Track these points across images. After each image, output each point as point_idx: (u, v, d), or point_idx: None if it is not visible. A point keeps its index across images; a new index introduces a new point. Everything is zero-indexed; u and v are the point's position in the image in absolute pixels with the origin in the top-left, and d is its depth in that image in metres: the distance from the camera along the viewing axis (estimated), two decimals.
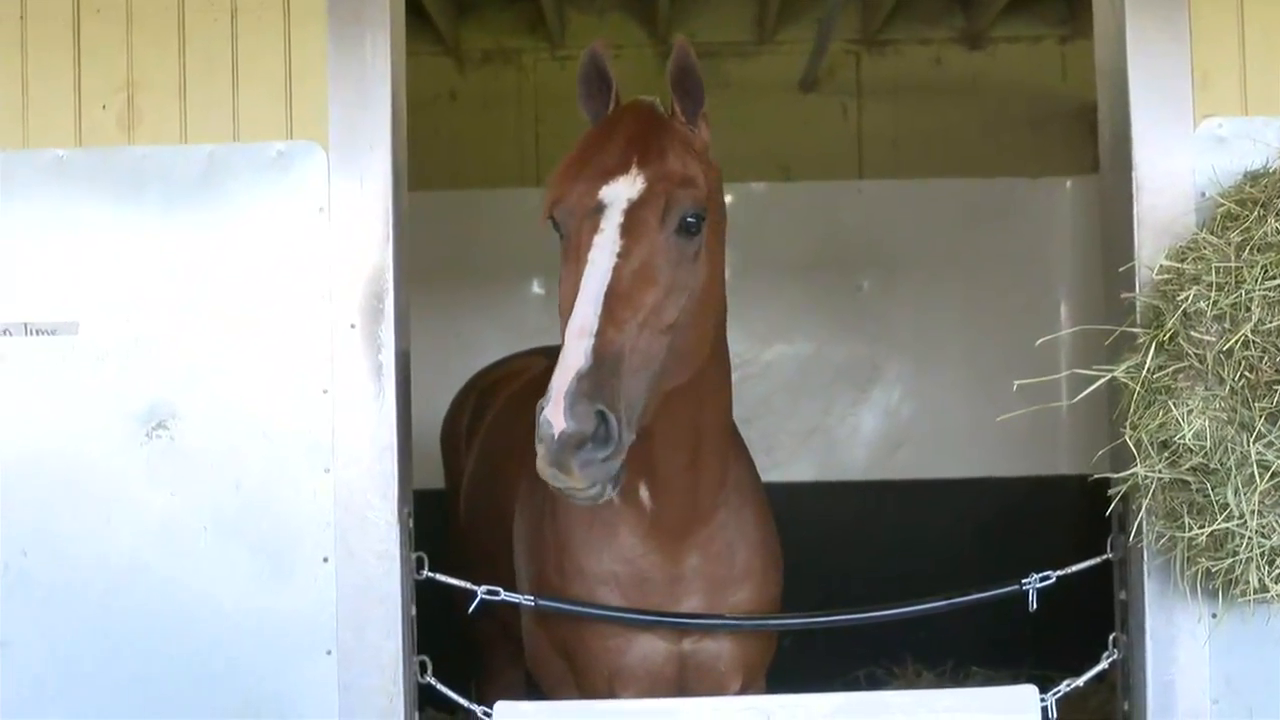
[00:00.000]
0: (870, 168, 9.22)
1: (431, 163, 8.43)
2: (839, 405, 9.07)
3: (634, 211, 4.02)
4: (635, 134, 4.19)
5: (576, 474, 3.70)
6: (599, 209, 4.04)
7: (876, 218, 9.02)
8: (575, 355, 3.76)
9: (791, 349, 9.01)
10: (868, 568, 8.30)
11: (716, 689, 4.63)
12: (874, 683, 8.38)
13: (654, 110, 4.31)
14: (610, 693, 4.60)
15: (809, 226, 8.99)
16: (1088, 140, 8.99)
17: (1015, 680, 4.63)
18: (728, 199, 8.75)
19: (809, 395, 8.99)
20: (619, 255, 3.96)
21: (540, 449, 3.72)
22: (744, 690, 4.68)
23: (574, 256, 4.03)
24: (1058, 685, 4.52)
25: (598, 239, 3.99)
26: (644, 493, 4.50)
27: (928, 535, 8.70)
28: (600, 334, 3.80)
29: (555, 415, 3.68)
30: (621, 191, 4.05)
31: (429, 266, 7.58)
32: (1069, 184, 8.98)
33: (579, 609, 4.58)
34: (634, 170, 4.08)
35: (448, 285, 8.68)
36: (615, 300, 3.87)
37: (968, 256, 8.95)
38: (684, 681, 4.64)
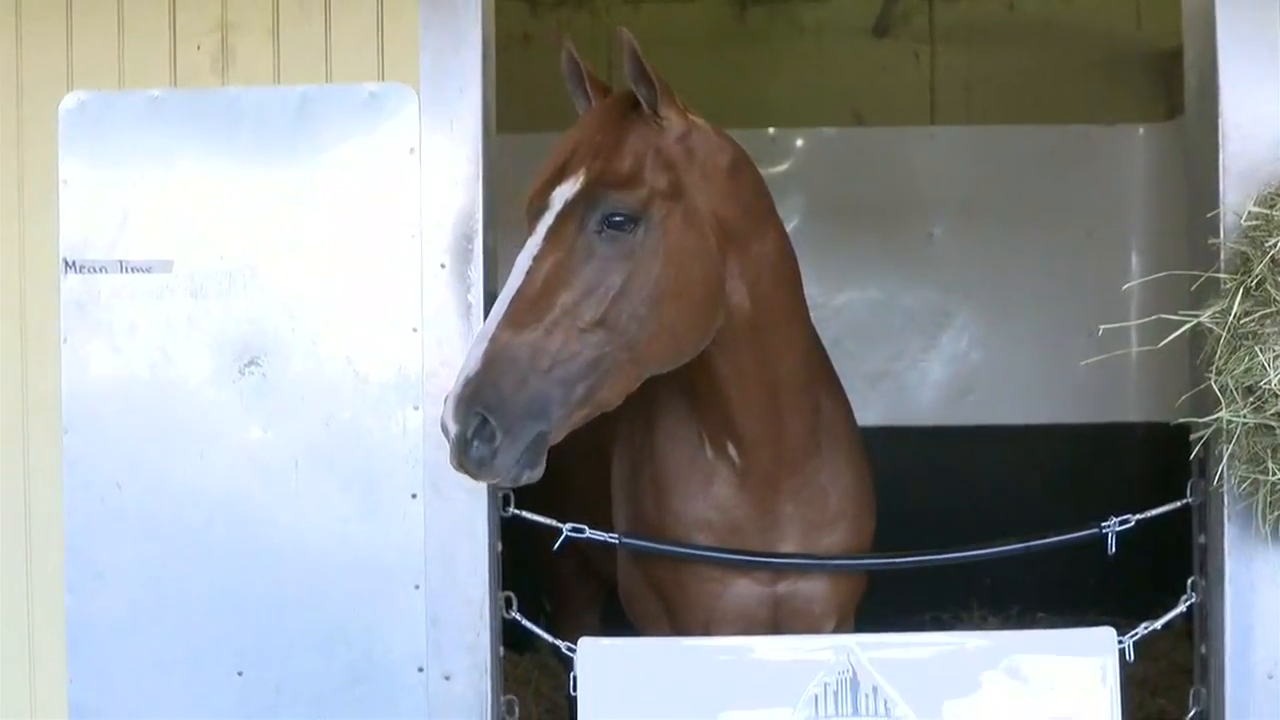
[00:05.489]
0: (942, 114, 9.19)
1: (503, 106, 8.46)
2: (909, 351, 9.10)
3: (563, 212, 4.08)
4: (589, 134, 4.22)
5: (471, 470, 3.93)
6: (542, 211, 4.12)
7: (948, 164, 9.00)
8: (469, 359, 3.93)
9: (862, 294, 9.03)
10: (934, 512, 8.30)
11: (811, 630, 4.71)
12: (940, 627, 8.42)
13: (619, 105, 4.29)
14: (706, 633, 4.68)
15: (881, 172, 8.98)
16: (1160, 87, 8.94)
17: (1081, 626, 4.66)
18: (798, 143, 8.91)
19: (879, 340, 9.01)
20: (534, 259, 4.04)
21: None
22: (836, 631, 4.76)
23: None
24: (1131, 630, 4.54)
25: (528, 242, 4.09)
26: (732, 450, 4.59)
27: (994, 481, 8.71)
28: (494, 339, 3.92)
29: (446, 416, 3.89)
30: (563, 193, 4.10)
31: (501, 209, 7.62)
32: (1142, 131, 8.94)
33: (664, 548, 4.67)
34: (580, 171, 4.11)
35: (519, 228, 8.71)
36: (520, 304, 3.97)
37: (1039, 203, 8.92)
38: (779, 623, 4.72)
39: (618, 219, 4.07)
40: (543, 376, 3.94)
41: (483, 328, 3.99)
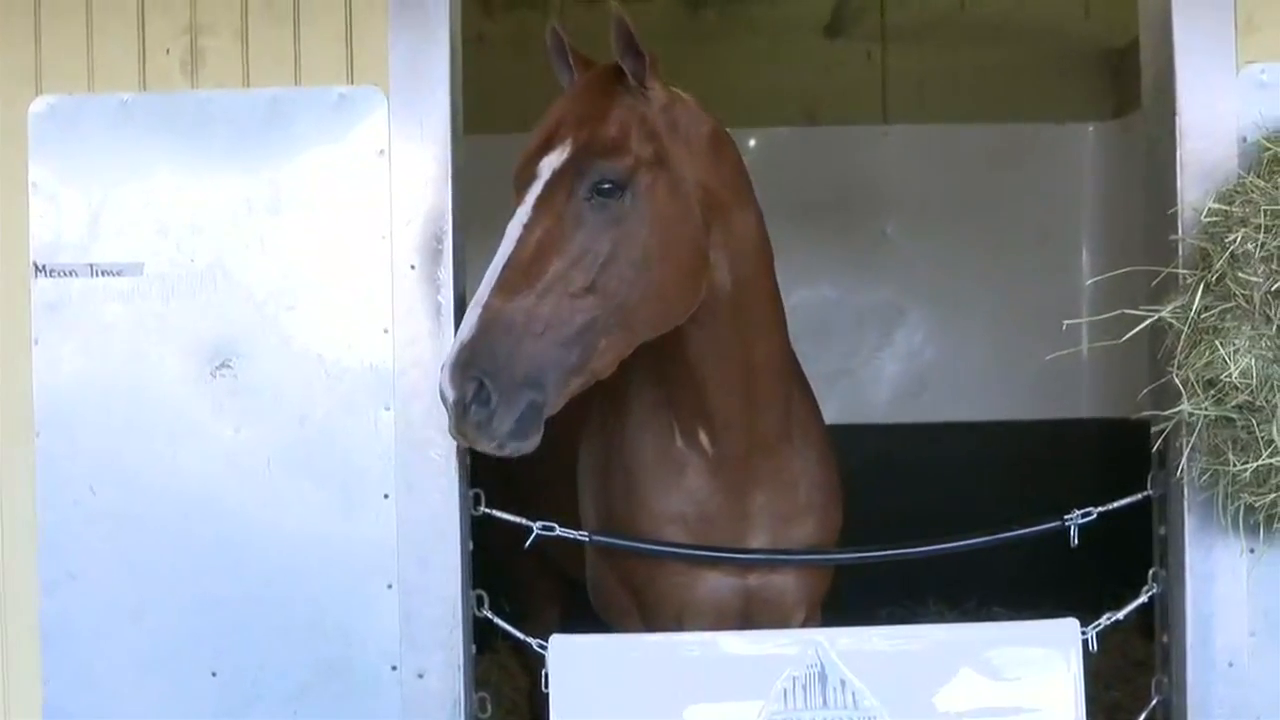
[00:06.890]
0: (895, 112, 9.25)
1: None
2: (863, 349, 9.18)
3: (551, 181, 4.14)
4: (575, 104, 4.29)
5: (471, 435, 3.99)
6: (531, 181, 4.17)
7: (901, 163, 9.08)
8: (464, 325, 4.00)
9: (816, 293, 9.08)
10: (889, 509, 8.37)
11: (781, 622, 4.77)
12: (896, 622, 8.44)
13: (603, 78, 4.36)
14: (678, 627, 4.73)
15: (834, 171, 9.05)
16: (1109, 85, 9.04)
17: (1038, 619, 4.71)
18: (751, 143, 8.94)
19: (833, 339, 9.06)
20: (524, 227, 4.10)
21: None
22: (805, 623, 4.81)
23: None
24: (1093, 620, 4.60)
25: (518, 211, 4.15)
26: (704, 438, 4.65)
27: (949, 477, 8.79)
28: (487, 305, 3.98)
29: (444, 382, 3.95)
30: (551, 162, 4.16)
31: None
32: (1092, 129, 9.04)
33: (635, 545, 4.71)
34: (568, 141, 4.17)
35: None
36: (510, 270, 4.04)
37: (992, 201, 9.02)
38: (750, 615, 4.77)
39: (606, 186, 4.13)
40: (536, 341, 3.99)
41: (476, 295, 4.03)
